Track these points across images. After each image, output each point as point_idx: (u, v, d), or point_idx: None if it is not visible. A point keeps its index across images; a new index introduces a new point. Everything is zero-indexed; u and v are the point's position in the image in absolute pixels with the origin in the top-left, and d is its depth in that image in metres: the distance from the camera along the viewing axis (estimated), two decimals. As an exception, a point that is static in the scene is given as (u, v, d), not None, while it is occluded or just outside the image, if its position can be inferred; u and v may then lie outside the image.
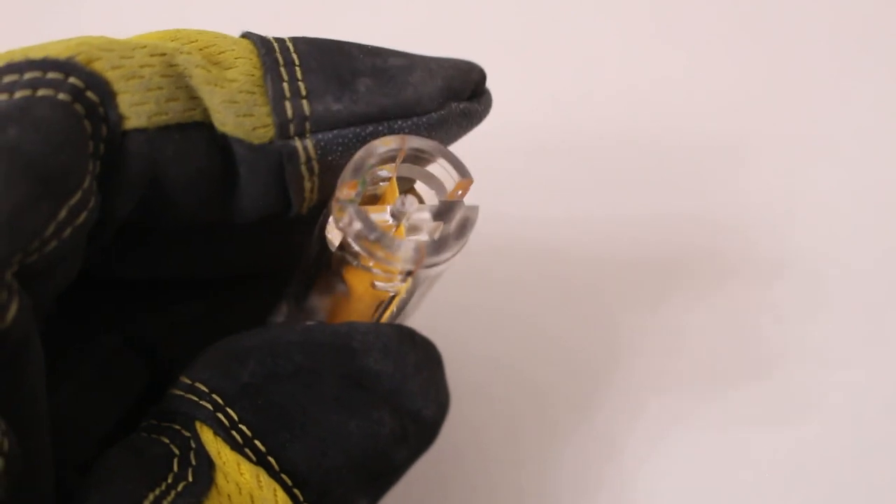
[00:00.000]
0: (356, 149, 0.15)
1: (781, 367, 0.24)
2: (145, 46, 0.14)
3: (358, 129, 0.15)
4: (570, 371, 0.24)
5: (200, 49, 0.14)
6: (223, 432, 0.14)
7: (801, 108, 0.28)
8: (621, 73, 0.29)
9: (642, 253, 0.26)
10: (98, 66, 0.13)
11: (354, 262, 0.15)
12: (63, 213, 0.13)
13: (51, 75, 0.13)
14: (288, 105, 0.14)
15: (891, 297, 0.25)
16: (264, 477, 0.14)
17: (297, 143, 0.14)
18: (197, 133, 0.14)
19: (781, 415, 0.23)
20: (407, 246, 0.14)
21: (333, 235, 0.15)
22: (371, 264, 0.14)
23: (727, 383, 0.24)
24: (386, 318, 0.16)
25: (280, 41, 0.15)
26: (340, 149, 0.15)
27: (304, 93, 0.14)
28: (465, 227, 0.14)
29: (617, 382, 0.24)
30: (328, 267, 0.16)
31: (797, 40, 0.29)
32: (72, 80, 0.13)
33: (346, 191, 0.14)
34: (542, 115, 0.28)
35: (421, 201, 0.16)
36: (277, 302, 0.19)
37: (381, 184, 0.15)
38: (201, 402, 0.14)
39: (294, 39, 0.15)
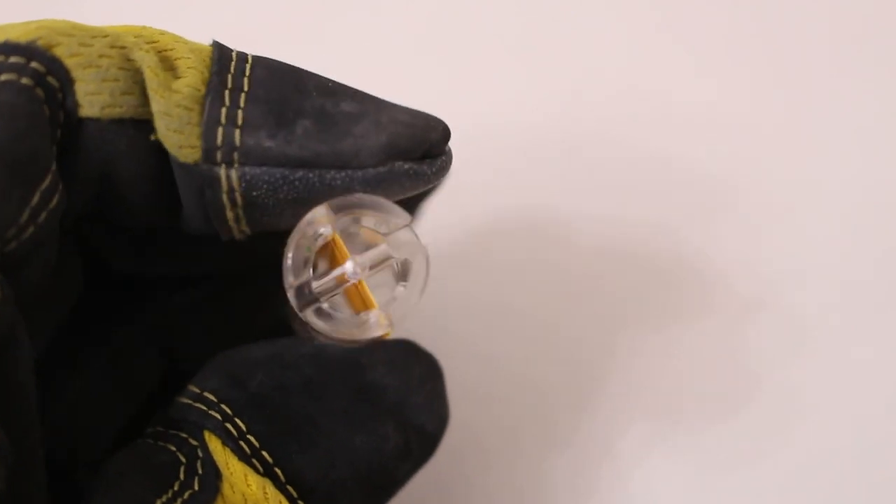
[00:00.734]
0: (283, 191, 0.14)
1: (782, 367, 0.24)
2: (107, 36, 0.14)
3: (287, 172, 0.14)
4: (570, 371, 0.24)
5: (158, 51, 0.14)
6: (232, 443, 0.14)
7: (801, 109, 0.28)
8: (621, 74, 0.29)
9: (643, 253, 0.26)
10: (58, 52, 0.13)
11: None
12: (36, 198, 0.12)
13: (13, 59, 0.13)
14: (220, 131, 0.14)
15: (891, 298, 0.25)
16: (270, 489, 0.14)
17: (222, 172, 0.14)
18: (152, 131, 0.14)
19: (781, 415, 0.23)
20: (373, 323, 0.14)
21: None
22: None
23: (727, 384, 0.24)
24: None
25: (241, 60, 0.14)
26: (266, 186, 0.14)
27: (239, 122, 0.14)
28: (422, 275, 0.14)
29: (616, 383, 0.24)
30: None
31: (797, 42, 0.29)
32: (34, 64, 0.13)
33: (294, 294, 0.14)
34: (542, 115, 0.28)
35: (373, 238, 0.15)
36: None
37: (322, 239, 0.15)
38: (210, 412, 0.15)
39: (257, 61, 0.14)
